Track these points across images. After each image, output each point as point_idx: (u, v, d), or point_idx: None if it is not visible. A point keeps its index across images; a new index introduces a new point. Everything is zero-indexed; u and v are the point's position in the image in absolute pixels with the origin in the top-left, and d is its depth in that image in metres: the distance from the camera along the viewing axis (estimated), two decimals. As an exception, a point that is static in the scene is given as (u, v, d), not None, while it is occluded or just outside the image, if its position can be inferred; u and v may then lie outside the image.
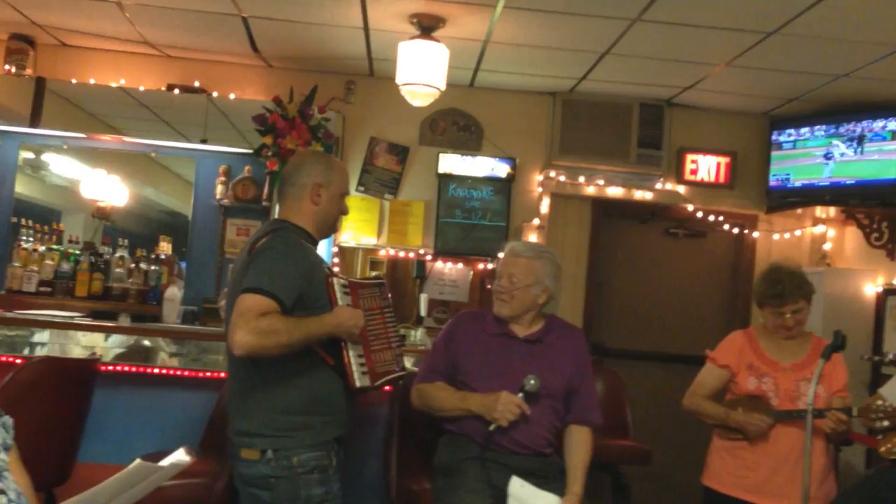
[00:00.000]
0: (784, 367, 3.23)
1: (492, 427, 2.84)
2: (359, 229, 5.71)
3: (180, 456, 1.77)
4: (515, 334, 3.04)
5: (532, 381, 2.84)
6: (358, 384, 2.61)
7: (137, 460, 1.61)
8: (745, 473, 3.19)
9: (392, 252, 5.73)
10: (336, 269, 5.46)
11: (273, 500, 2.54)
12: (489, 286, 3.26)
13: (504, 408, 2.81)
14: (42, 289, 5.13)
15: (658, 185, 5.83)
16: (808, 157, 5.49)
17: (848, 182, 5.28)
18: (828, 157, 5.38)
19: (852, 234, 5.62)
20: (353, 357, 2.61)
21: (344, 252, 5.70)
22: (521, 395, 2.84)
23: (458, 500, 2.80)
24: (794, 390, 3.18)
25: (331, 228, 2.85)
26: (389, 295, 2.89)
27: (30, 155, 5.71)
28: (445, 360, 3.06)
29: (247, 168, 5.47)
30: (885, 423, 3.20)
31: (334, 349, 2.59)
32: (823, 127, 5.42)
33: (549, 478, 2.89)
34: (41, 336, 3.66)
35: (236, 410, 2.63)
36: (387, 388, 2.91)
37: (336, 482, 2.61)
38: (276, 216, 2.83)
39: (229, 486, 2.81)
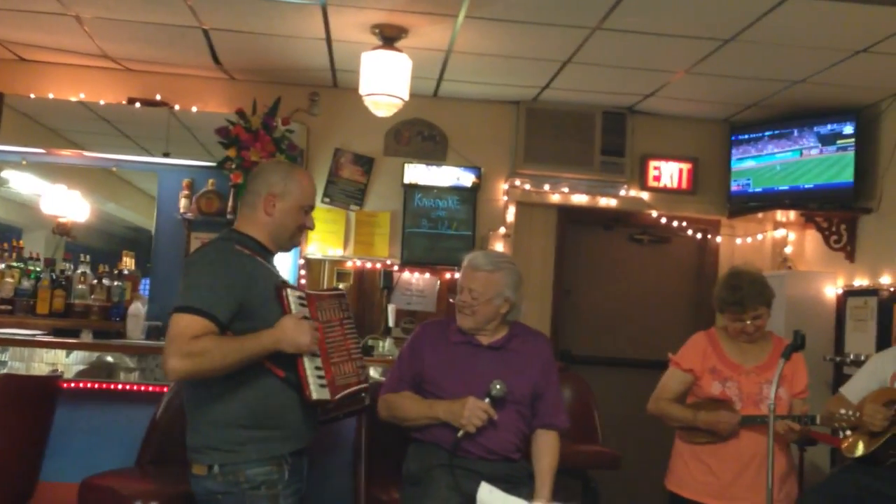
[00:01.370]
0: (747, 370, 3.25)
1: (460, 434, 2.83)
2: (325, 241, 5.69)
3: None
4: (479, 342, 3.03)
5: (498, 386, 2.83)
6: (315, 396, 2.48)
7: None
8: (709, 479, 3.20)
9: (359, 263, 5.72)
10: (303, 283, 5.44)
11: None
12: (451, 299, 3.23)
13: (471, 413, 2.79)
14: (2, 307, 5.04)
15: (622, 192, 5.89)
16: (768, 162, 5.58)
17: (806, 186, 5.38)
18: (786, 161, 5.48)
19: (812, 238, 5.72)
20: (309, 368, 2.49)
21: (310, 264, 5.67)
22: (487, 400, 2.83)
23: None
24: (758, 393, 3.21)
25: (289, 242, 2.70)
26: (349, 306, 2.81)
27: (-12, 171, 5.63)
28: (411, 370, 3.03)
29: (210, 181, 5.44)
30: (849, 432, 3.25)
31: (287, 361, 2.47)
32: (781, 132, 5.52)
33: (519, 483, 2.89)
34: (3, 355, 3.60)
35: (188, 425, 2.55)
36: (352, 412, 2.89)
37: (288, 498, 2.51)
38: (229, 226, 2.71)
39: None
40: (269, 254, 2.64)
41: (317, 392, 2.48)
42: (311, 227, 2.74)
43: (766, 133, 5.60)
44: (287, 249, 2.75)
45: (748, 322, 3.23)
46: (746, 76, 4.94)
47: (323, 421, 2.73)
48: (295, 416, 2.53)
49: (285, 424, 2.51)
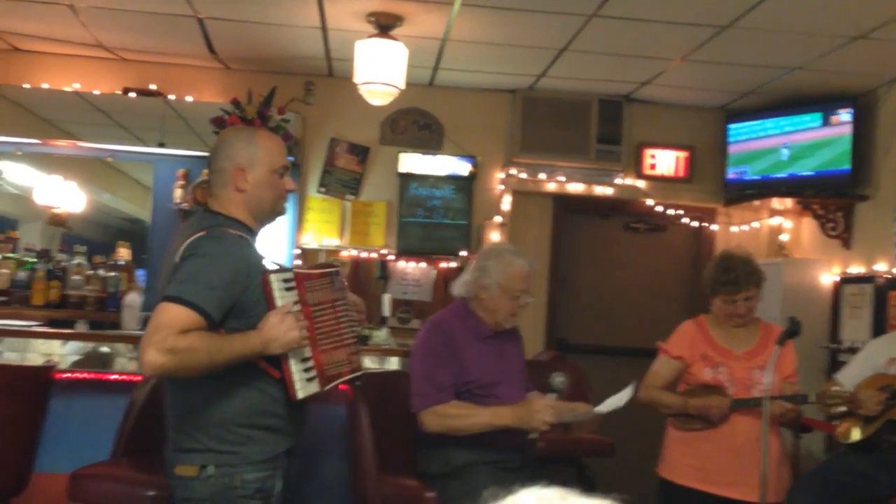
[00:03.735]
0: (737, 355, 3.25)
1: (533, 436, 2.85)
2: (320, 231, 5.69)
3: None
4: (499, 334, 3.09)
5: (560, 379, 2.84)
6: (300, 395, 2.28)
7: None
8: (702, 464, 3.20)
9: (354, 253, 5.72)
10: (297, 263, 5.42)
11: None
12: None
13: (541, 414, 2.80)
14: (-3, 298, 5.04)
15: (618, 181, 5.88)
16: (764, 149, 5.57)
17: (803, 174, 5.37)
18: (783, 149, 5.47)
19: (808, 225, 5.72)
20: (294, 367, 2.27)
21: (306, 254, 5.67)
22: (553, 395, 2.84)
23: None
24: (748, 378, 3.20)
25: (272, 214, 2.45)
26: (345, 283, 2.56)
27: (-17, 163, 5.61)
28: (453, 375, 2.95)
29: (205, 171, 5.38)
30: (842, 408, 3.25)
31: (277, 361, 2.27)
32: (778, 119, 5.51)
33: (531, 466, 2.96)
34: (-2, 345, 3.60)
35: (174, 422, 2.35)
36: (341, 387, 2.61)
37: None
38: (207, 208, 2.45)
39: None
40: (253, 234, 2.43)
41: (303, 390, 2.29)
42: (293, 189, 2.51)
43: (764, 120, 5.59)
44: (271, 221, 2.50)
45: (740, 303, 3.22)
46: (743, 63, 4.92)
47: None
48: (289, 414, 2.37)
49: (282, 423, 2.35)
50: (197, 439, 2.28)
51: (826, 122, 5.27)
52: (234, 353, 2.16)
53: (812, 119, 5.33)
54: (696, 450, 3.23)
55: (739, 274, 3.21)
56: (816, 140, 5.30)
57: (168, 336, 2.07)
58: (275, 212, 2.46)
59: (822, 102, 5.29)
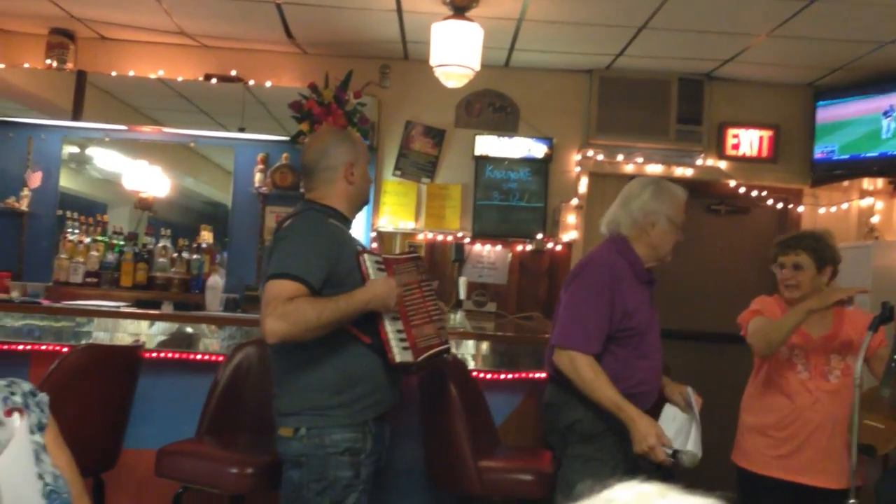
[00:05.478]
0: (814, 340, 3.11)
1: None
2: (396, 214, 5.72)
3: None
4: (651, 278, 2.96)
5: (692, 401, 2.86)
6: (398, 359, 2.54)
7: None
8: (774, 452, 3.10)
9: (430, 236, 5.73)
10: (374, 246, 5.48)
11: (301, 479, 2.52)
12: (679, 231, 2.98)
13: (651, 441, 2.64)
14: (88, 279, 5.23)
15: (699, 162, 5.74)
16: (855, 128, 5.35)
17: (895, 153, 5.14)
18: (875, 127, 5.24)
19: (901, 207, 5.47)
20: (391, 331, 2.55)
21: (382, 237, 5.71)
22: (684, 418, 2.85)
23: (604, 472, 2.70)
24: (825, 364, 3.07)
25: (363, 205, 2.83)
26: (426, 268, 2.85)
27: (74, 149, 5.81)
28: (609, 320, 2.76)
29: (284, 155, 5.51)
30: None
31: (370, 327, 2.54)
32: (870, 97, 5.28)
33: None
34: (88, 325, 3.73)
35: (276, 389, 2.62)
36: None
37: (368, 467, 2.56)
38: (305, 199, 2.76)
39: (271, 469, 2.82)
40: (347, 222, 2.72)
41: (399, 355, 2.54)
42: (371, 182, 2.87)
43: (853, 98, 5.36)
44: (361, 209, 2.86)
45: (788, 267, 3.09)
46: (832, 38, 4.73)
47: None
48: (379, 381, 2.59)
49: (370, 390, 2.57)
50: (293, 403, 2.55)
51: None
52: (340, 310, 2.42)
53: (906, 95, 5.09)
54: (769, 437, 3.12)
55: (795, 237, 3.12)
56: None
57: (278, 305, 2.34)
58: (364, 203, 2.83)
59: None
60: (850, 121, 5.37)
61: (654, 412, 2.82)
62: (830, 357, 3.08)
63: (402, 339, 2.57)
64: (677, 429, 2.83)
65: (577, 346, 2.72)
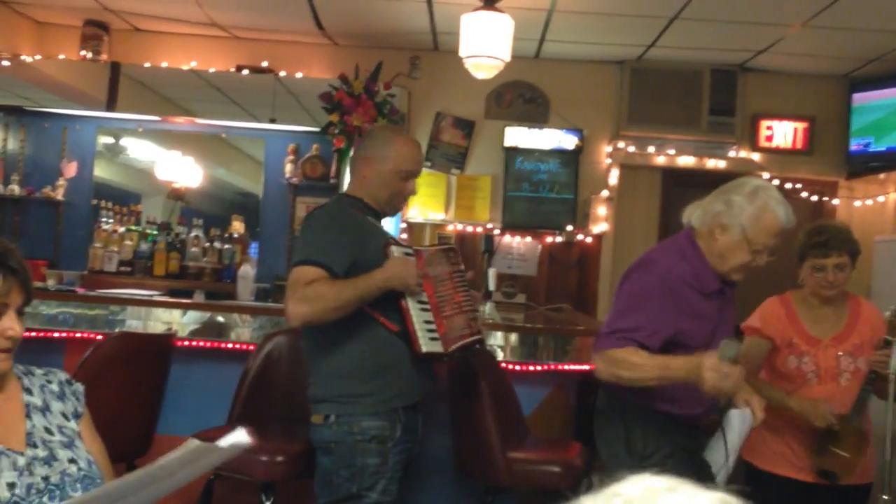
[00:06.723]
0: (824, 344, 3.00)
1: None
2: (426, 205, 5.73)
3: (240, 436, 1.69)
4: (722, 287, 2.55)
5: (731, 348, 2.25)
6: (424, 349, 2.53)
7: (192, 440, 1.58)
8: (783, 449, 3.03)
9: (460, 227, 5.74)
10: (404, 237, 5.49)
11: (330, 465, 2.55)
12: (755, 253, 2.47)
13: (712, 374, 2.23)
14: (122, 268, 5.31)
15: (731, 153, 5.68)
16: (892, 120, 5.25)
17: (934, 145, 5.05)
18: (913, 119, 5.15)
19: (939, 200, 5.38)
20: (417, 321, 2.53)
21: (412, 228, 5.72)
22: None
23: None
24: (835, 367, 2.96)
25: (388, 206, 2.72)
26: (459, 259, 2.80)
27: (109, 139, 5.89)
28: (651, 333, 2.38)
29: (315, 146, 5.53)
30: None
31: (399, 316, 2.54)
32: (908, 88, 5.18)
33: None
34: (122, 314, 3.78)
35: (309, 377, 2.65)
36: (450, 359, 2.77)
37: (396, 455, 2.56)
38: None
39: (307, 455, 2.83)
40: (377, 214, 2.71)
41: (426, 345, 2.53)
42: (412, 193, 2.75)
43: (891, 88, 5.27)
44: (389, 214, 2.79)
45: (830, 270, 2.93)
46: (869, 28, 4.64)
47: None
48: (408, 369, 2.59)
49: (399, 378, 2.57)
50: (323, 390, 2.58)
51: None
52: (359, 289, 2.43)
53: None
54: (778, 433, 3.05)
55: (832, 236, 2.91)
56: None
57: (297, 289, 2.39)
58: (391, 206, 2.74)
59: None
60: (888, 113, 5.28)
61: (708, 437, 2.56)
62: (841, 358, 2.97)
63: (430, 330, 2.56)
64: (743, 437, 2.56)
65: (611, 346, 2.39)
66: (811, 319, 3.03)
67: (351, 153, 2.72)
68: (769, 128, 5.69)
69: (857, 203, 5.73)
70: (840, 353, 2.97)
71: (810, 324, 3.03)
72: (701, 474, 2.40)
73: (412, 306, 2.54)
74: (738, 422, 2.50)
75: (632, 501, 0.66)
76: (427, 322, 2.57)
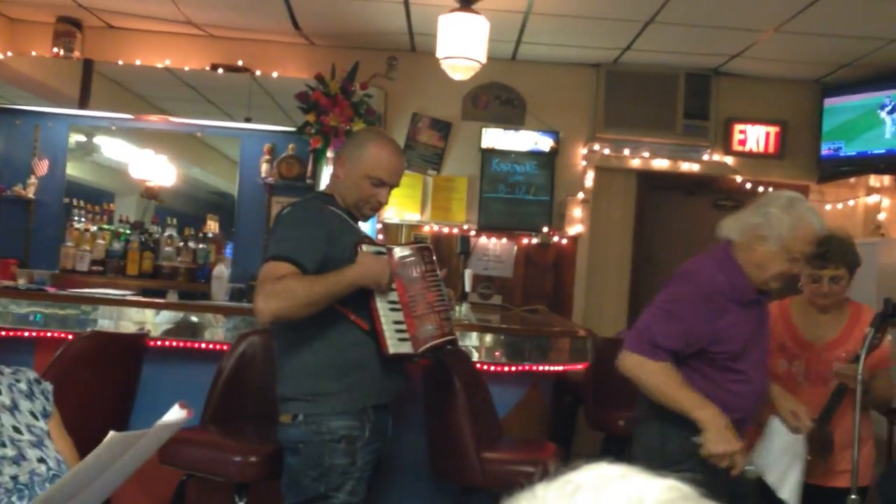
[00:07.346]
0: (818, 348, 3.04)
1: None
2: (402, 206, 5.72)
3: (174, 414, 1.65)
4: (759, 296, 2.64)
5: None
6: (392, 351, 2.49)
7: (111, 433, 1.54)
8: None
9: (436, 228, 5.74)
10: (380, 238, 5.49)
11: (298, 465, 2.52)
12: (793, 262, 2.58)
13: (725, 445, 2.39)
14: (94, 268, 5.25)
15: (705, 157, 5.73)
16: (862, 124, 5.33)
17: (904, 150, 5.12)
18: (882, 124, 5.22)
19: (908, 204, 5.46)
20: (386, 322, 2.50)
21: (388, 228, 5.72)
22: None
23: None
24: (827, 371, 3.00)
25: (355, 209, 2.65)
26: (433, 258, 2.72)
27: (81, 137, 5.83)
28: (686, 341, 2.51)
29: (291, 146, 5.51)
30: None
31: (369, 314, 2.51)
32: (878, 93, 5.26)
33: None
34: (94, 313, 3.74)
35: (277, 375, 2.62)
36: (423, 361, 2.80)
37: (365, 455, 2.53)
38: None
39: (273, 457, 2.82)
40: (349, 213, 2.67)
41: (394, 346, 2.51)
42: (382, 202, 2.66)
43: (861, 94, 5.34)
44: (361, 218, 2.72)
45: (825, 282, 2.99)
46: (840, 34, 4.71)
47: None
48: (379, 369, 2.55)
49: (369, 378, 2.54)
50: (292, 388, 2.54)
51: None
52: (330, 285, 2.40)
53: (915, 92, 5.08)
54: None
55: (831, 248, 2.96)
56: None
57: (267, 285, 2.36)
58: (359, 209, 2.66)
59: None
60: (858, 117, 5.36)
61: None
62: (833, 364, 3.01)
63: (399, 330, 2.53)
64: (782, 448, 2.64)
65: (645, 354, 2.50)
66: (808, 324, 3.08)
67: (328, 153, 2.70)
68: (742, 132, 5.75)
69: (828, 207, 5.81)
70: (833, 358, 3.00)
71: (806, 328, 3.07)
72: (734, 482, 2.46)
73: (381, 306, 2.51)
74: (781, 430, 2.66)
75: (582, 487, 0.66)
76: (397, 322, 2.54)
